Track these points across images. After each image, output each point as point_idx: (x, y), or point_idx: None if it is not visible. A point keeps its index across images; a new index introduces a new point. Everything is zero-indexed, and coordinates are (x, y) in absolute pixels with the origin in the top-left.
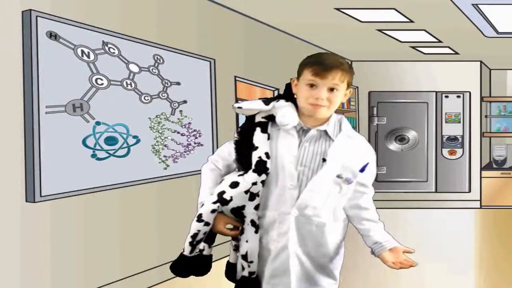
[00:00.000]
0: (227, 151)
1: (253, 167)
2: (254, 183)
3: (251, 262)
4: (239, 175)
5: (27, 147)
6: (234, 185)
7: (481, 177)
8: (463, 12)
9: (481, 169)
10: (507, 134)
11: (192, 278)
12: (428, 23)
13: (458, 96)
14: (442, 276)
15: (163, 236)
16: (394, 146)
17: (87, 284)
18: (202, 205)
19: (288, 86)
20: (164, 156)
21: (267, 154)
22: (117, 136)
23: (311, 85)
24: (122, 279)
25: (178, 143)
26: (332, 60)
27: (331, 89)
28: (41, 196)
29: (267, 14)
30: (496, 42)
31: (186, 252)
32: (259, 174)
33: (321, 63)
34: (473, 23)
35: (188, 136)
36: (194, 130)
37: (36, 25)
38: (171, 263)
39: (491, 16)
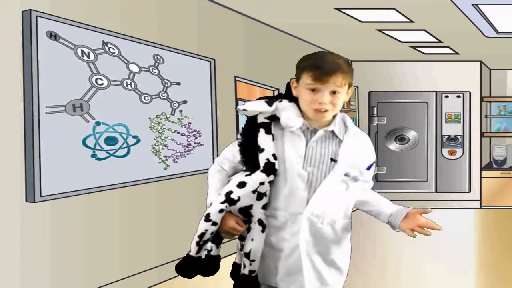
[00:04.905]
0: (232, 153)
1: (261, 168)
2: (262, 183)
3: (253, 260)
4: (246, 175)
5: (27, 147)
6: (242, 185)
7: (481, 177)
8: (463, 12)
9: (481, 169)
10: (507, 134)
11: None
12: (428, 23)
13: (458, 96)
14: (442, 276)
15: (163, 236)
16: (394, 146)
17: (86, 284)
18: (211, 205)
19: (289, 85)
20: (164, 156)
21: (274, 156)
22: (117, 136)
23: (313, 89)
24: (121, 279)
25: (178, 143)
26: (331, 63)
27: (333, 92)
28: (41, 196)
29: (267, 14)
30: (496, 42)
31: (193, 253)
32: (268, 175)
33: (320, 67)
34: (473, 23)
35: (188, 136)
36: (194, 130)
37: (36, 25)
38: (176, 263)
39: (491, 16)
